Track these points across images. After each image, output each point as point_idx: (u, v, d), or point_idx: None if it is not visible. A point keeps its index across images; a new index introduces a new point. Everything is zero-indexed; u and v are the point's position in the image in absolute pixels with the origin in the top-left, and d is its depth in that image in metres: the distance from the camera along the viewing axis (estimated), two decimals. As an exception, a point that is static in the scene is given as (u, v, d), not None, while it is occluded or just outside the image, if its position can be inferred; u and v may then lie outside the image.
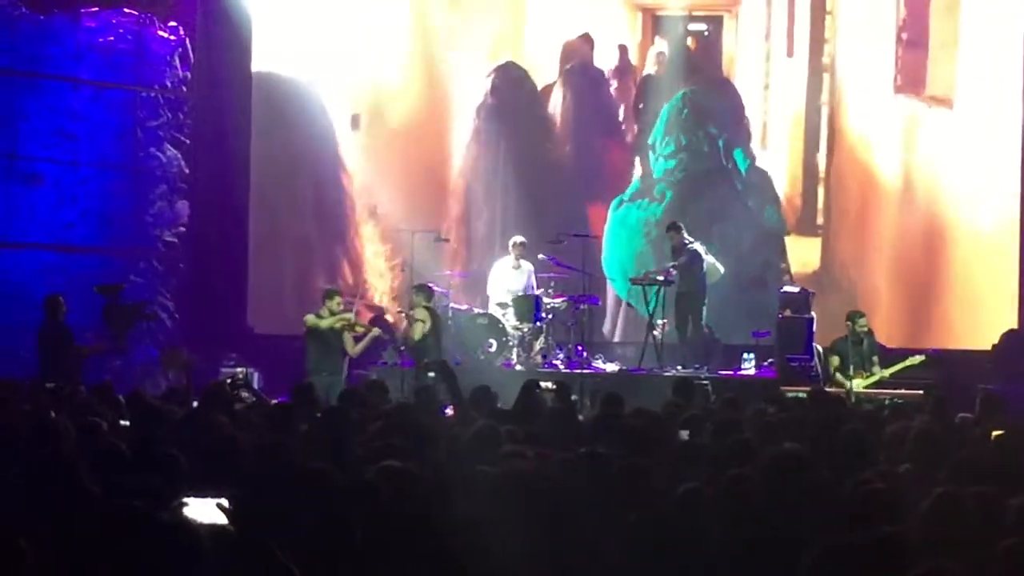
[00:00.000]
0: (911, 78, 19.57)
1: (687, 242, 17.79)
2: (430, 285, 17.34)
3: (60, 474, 6.20)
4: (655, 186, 20.22)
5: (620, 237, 20.21)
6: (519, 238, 18.59)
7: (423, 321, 16.32)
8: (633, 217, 20.21)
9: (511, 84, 20.49)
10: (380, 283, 20.05)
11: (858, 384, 16.07)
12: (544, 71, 20.64)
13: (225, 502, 5.94)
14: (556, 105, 20.55)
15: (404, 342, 17.02)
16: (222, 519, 6.04)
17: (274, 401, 12.08)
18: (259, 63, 19.97)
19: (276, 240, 19.98)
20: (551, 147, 20.41)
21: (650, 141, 20.30)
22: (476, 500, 5.77)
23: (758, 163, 20.13)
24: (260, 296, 20.14)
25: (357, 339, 16.37)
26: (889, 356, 16.77)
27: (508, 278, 18.48)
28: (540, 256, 18.53)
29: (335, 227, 20.24)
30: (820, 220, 20.26)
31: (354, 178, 20.35)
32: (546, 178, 20.10)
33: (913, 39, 19.60)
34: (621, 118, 20.70)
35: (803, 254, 20.11)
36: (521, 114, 20.52)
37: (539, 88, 20.59)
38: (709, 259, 18.11)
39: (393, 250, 19.76)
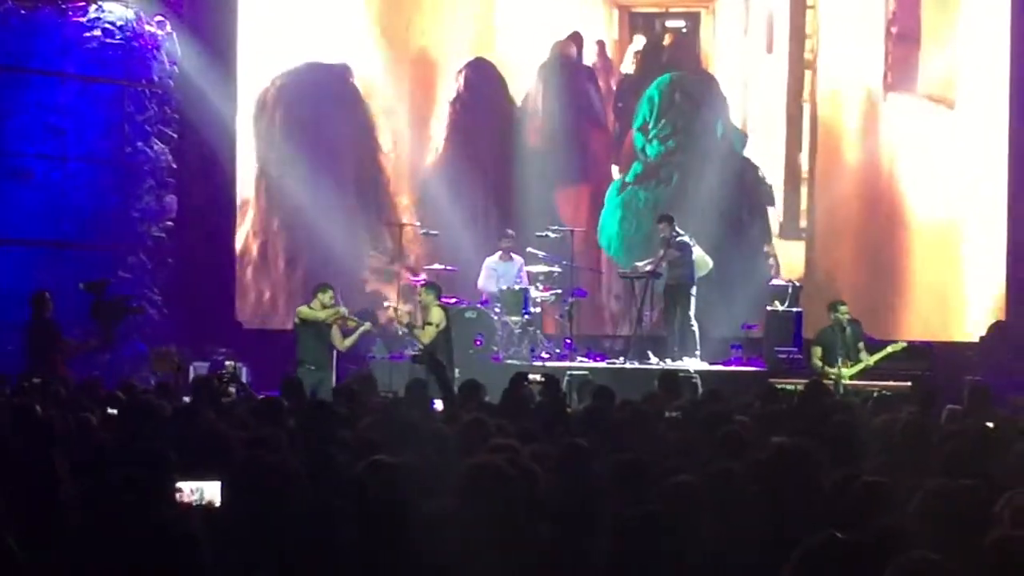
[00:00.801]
0: (902, 75, 19.19)
1: (676, 234, 17.78)
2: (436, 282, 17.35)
3: (43, 471, 6.21)
4: (660, 168, 20.18)
5: (627, 219, 20.19)
6: (510, 232, 18.61)
7: (437, 325, 16.08)
8: (641, 199, 20.16)
9: (483, 78, 20.48)
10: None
11: (845, 373, 16.07)
12: (521, 66, 20.52)
13: None
14: (536, 98, 20.49)
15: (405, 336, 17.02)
16: (216, 499, 6.09)
17: (261, 396, 12.09)
18: (252, 58, 20.11)
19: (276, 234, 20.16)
20: (529, 139, 20.40)
21: (637, 124, 20.24)
22: (459, 495, 5.76)
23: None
24: (248, 291, 20.27)
25: (346, 333, 16.33)
26: (872, 345, 16.76)
27: (498, 272, 18.48)
28: (529, 249, 18.55)
29: (375, 202, 20.42)
30: (803, 223, 19.95)
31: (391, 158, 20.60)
32: (524, 169, 20.09)
33: (904, 33, 19.25)
34: (600, 113, 20.64)
35: (786, 259, 19.76)
36: (494, 106, 20.52)
37: (523, 84, 20.55)
38: (698, 251, 18.08)
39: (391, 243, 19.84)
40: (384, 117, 20.48)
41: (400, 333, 17.67)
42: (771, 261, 19.71)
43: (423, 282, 17.34)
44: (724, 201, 19.31)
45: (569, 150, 20.23)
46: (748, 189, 19.80)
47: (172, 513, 5.27)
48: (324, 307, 16.16)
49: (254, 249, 20.33)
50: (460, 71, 20.50)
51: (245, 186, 20.29)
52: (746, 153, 19.98)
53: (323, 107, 20.29)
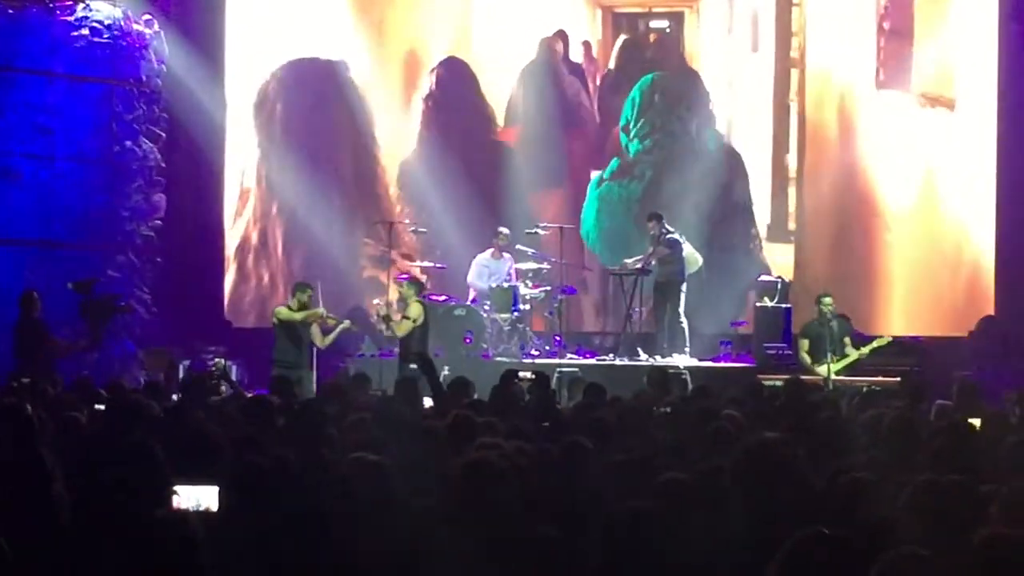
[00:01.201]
0: (895, 71, 19.10)
1: (666, 232, 17.78)
2: (420, 279, 17.44)
3: (33, 470, 6.19)
4: (635, 166, 20.21)
5: (603, 212, 20.26)
6: (503, 230, 18.60)
7: (414, 320, 16.12)
8: (615, 194, 20.24)
9: (455, 77, 20.58)
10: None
11: (833, 368, 16.04)
12: (502, 65, 20.53)
13: None
14: (522, 96, 20.47)
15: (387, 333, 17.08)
16: (212, 505, 6.08)
17: (250, 394, 12.08)
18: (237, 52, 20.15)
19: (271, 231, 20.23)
20: (515, 137, 20.43)
21: (621, 124, 20.29)
22: (451, 493, 5.76)
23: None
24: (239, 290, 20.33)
25: (326, 331, 16.33)
26: (861, 341, 16.78)
27: (490, 269, 18.47)
28: (518, 247, 18.55)
29: (371, 192, 20.65)
30: (792, 225, 19.88)
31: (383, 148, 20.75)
32: (510, 167, 20.13)
33: (896, 28, 19.11)
34: (586, 111, 20.62)
35: (774, 262, 19.67)
36: (468, 104, 20.60)
37: (503, 82, 20.57)
38: (688, 248, 18.08)
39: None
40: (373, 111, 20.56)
41: (380, 327, 17.71)
42: (758, 241, 19.68)
43: (408, 276, 17.46)
44: (701, 197, 19.30)
45: (556, 148, 20.25)
46: (730, 186, 19.78)
47: (169, 515, 5.24)
48: (302, 306, 16.17)
49: (254, 236, 20.42)
50: (433, 70, 20.58)
51: (246, 176, 20.45)
52: (730, 152, 19.97)
53: (321, 99, 20.43)
